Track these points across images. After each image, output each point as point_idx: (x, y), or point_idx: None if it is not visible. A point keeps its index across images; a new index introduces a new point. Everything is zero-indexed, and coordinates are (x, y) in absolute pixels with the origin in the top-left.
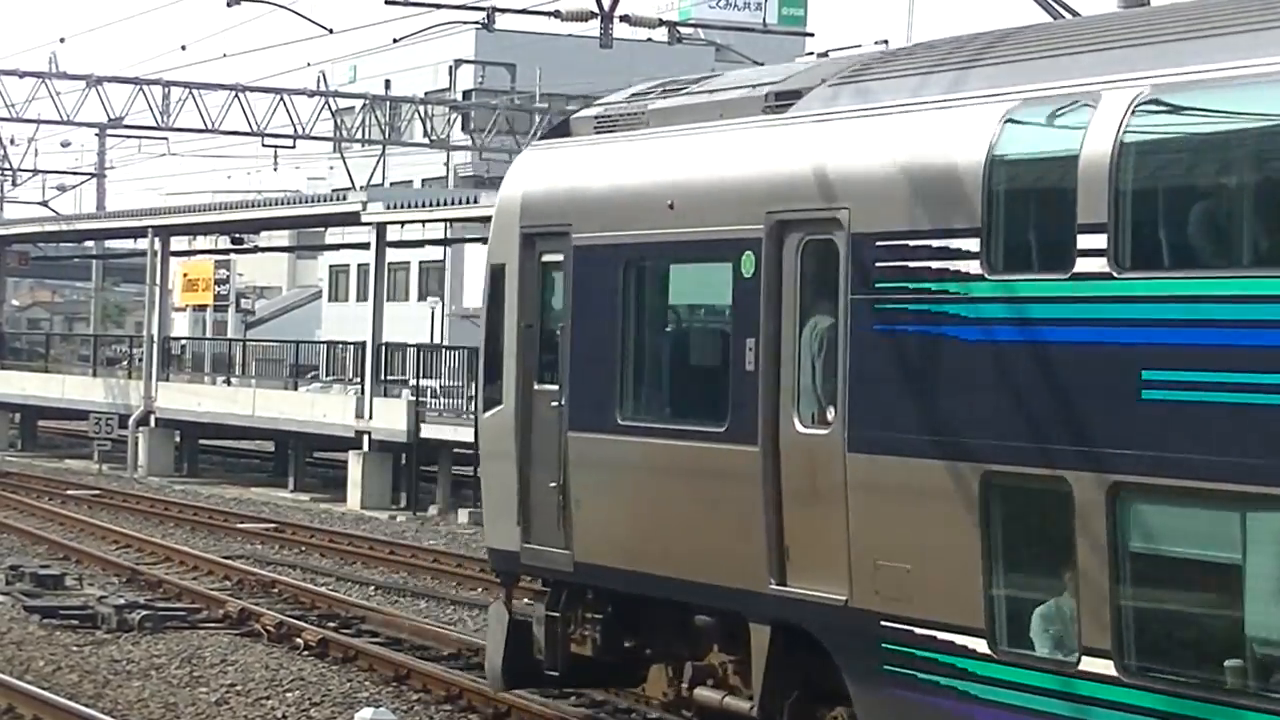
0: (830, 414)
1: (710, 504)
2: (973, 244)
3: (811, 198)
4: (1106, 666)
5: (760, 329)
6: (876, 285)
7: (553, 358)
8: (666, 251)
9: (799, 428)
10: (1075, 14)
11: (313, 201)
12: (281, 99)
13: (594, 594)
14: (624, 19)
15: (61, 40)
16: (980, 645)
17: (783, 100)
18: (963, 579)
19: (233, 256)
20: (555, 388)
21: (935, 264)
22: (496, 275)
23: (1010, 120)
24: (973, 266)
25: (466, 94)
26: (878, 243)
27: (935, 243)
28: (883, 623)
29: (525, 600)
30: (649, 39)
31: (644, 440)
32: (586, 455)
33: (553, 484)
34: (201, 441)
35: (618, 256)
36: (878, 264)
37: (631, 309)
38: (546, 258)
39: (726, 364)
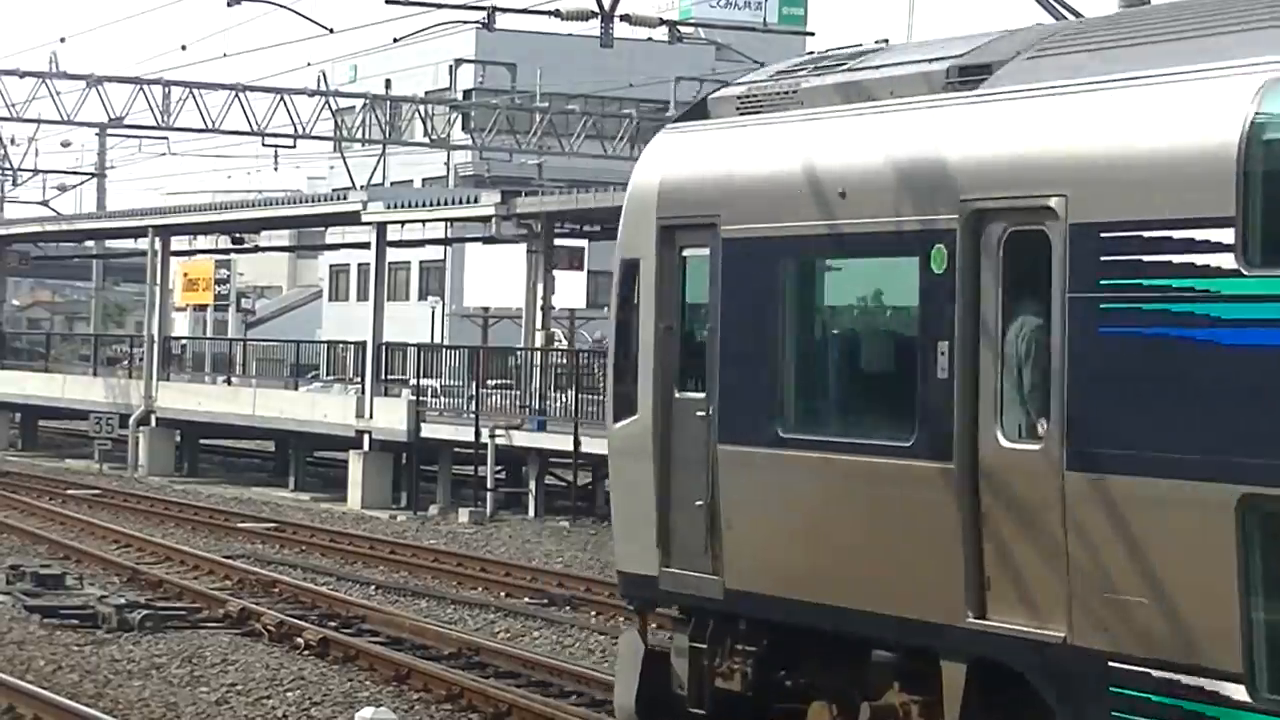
0: (1042, 427)
1: (893, 527)
2: (1225, 235)
3: (1017, 184)
4: None
5: (955, 331)
6: (1102, 282)
7: (697, 362)
8: (838, 244)
9: (1003, 442)
10: (1077, 14)
11: (313, 201)
12: (282, 99)
13: (747, 624)
14: (624, 18)
15: (62, 40)
16: (1236, 691)
17: (969, 76)
18: (1214, 615)
19: (233, 256)
20: (701, 396)
21: (1177, 258)
22: (628, 271)
23: (1271, 92)
24: (1225, 260)
25: (467, 93)
26: (1103, 234)
27: (1177, 234)
28: (1111, 664)
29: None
30: (649, 38)
31: (812, 455)
32: (741, 471)
33: (699, 502)
34: (202, 441)
35: (777, 250)
36: (1103, 258)
37: (794, 308)
38: (688, 252)
39: (913, 370)
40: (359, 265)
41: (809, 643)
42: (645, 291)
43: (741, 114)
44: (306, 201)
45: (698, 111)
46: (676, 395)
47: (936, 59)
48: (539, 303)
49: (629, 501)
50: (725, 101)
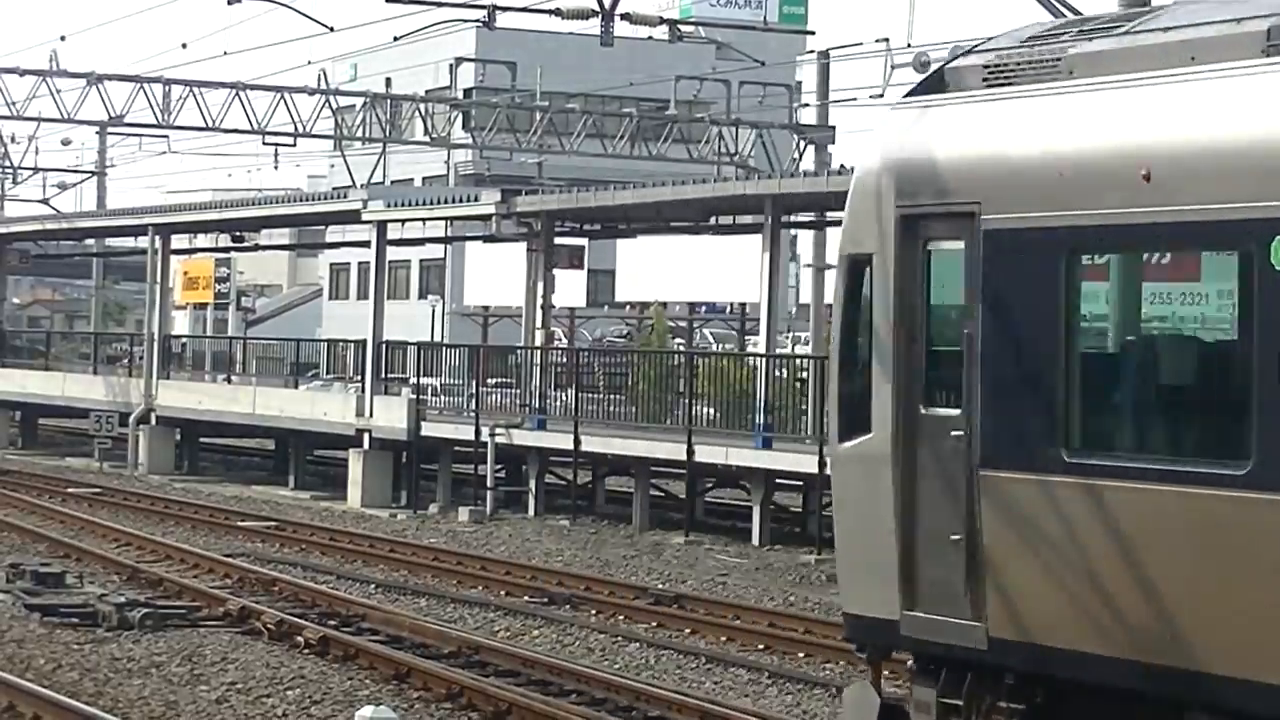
0: None
1: (1220, 570)
2: None
3: None
4: None
5: None
6: None
7: (948, 373)
8: (1140, 235)
9: None
10: (1078, 14)
11: (313, 200)
12: (282, 97)
13: (1015, 679)
14: (625, 17)
15: (62, 38)
16: None
17: None
18: None
19: (233, 254)
20: (955, 412)
21: None
22: (857, 268)
23: None
24: None
25: (467, 92)
26: None
27: None
28: None
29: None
30: (649, 37)
31: (1109, 483)
32: (1011, 501)
33: (954, 536)
34: (202, 440)
35: (1058, 243)
36: None
37: (1082, 310)
38: (936, 245)
39: (1246, 384)
40: (359, 264)
41: (1100, 703)
42: (879, 291)
43: (990, 85)
44: (307, 200)
45: (933, 83)
46: (922, 411)
47: (1247, 18)
48: (539, 301)
49: (859, 533)
50: (967, 71)
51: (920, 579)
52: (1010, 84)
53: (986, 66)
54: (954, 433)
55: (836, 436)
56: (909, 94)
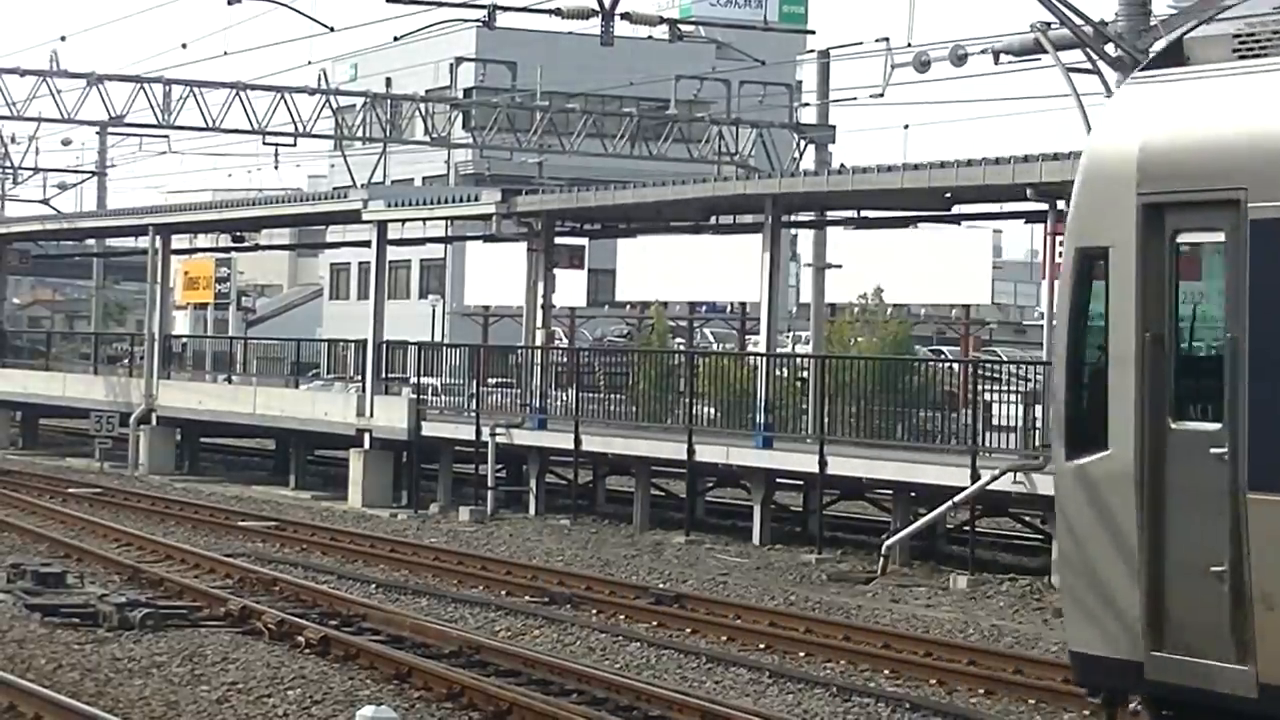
0: None
1: None
2: None
3: None
4: None
5: None
6: None
7: (1206, 383)
8: None
9: None
10: (1082, 15)
11: (314, 199)
12: (282, 97)
13: None
14: (625, 17)
15: (62, 38)
16: None
17: None
18: None
19: (233, 254)
20: (1214, 427)
21: None
22: (1088, 262)
23: None
24: None
25: (467, 92)
26: None
27: None
28: None
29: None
30: (650, 37)
31: None
32: None
33: (1215, 568)
34: (202, 440)
35: None
36: None
37: None
38: (1188, 237)
39: None
40: (359, 264)
41: None
42: (1118, 289)
43: (1243, 57)
44: (307, 200)
45: (1171, 56)
46: (1172, 426)
47: None
48: (539, 301)
49: (1092, 563)
50: (1213, 42)
51: (1170, 616)
52: (1266, 54)
53: (1237, 36)
54: (1214, 450)
55: (1064, 452)
56: (1144, 68)
